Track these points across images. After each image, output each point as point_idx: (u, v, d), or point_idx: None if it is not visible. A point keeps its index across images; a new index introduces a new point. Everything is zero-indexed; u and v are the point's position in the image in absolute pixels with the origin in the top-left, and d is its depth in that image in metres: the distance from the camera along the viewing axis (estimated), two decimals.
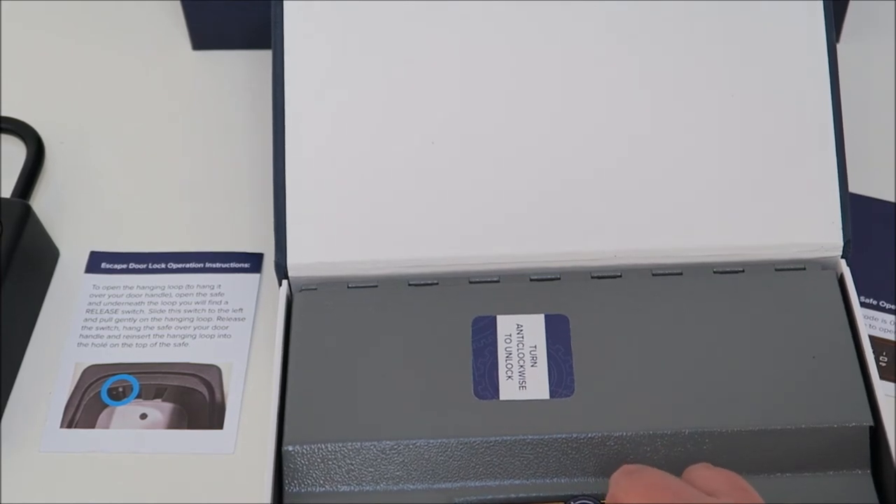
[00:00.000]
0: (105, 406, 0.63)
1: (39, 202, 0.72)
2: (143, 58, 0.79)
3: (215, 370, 0.64)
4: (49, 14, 0.82)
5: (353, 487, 0.55)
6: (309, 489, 0.55)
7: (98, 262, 0.69)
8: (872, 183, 0.70)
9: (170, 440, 0.62)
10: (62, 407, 0.63)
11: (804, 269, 0.60)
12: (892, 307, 0.65)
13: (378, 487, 0.55)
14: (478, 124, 0.62)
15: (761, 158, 0.61)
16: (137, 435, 0.62)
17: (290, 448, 0.55)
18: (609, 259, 0.61)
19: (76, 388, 0.64)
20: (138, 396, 0.63)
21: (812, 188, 0.61)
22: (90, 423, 0.62)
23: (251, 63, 0.78)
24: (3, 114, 0.75)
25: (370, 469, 0.55)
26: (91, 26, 0.81)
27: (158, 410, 0.63)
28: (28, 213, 0.66)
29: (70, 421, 0.63)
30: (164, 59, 0.79)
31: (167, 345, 0.65)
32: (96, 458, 0.61)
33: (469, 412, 0.55)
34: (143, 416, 0.63)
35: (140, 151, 0.74)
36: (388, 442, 0.54)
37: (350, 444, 0.55)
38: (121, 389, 0.64)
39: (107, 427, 0.62)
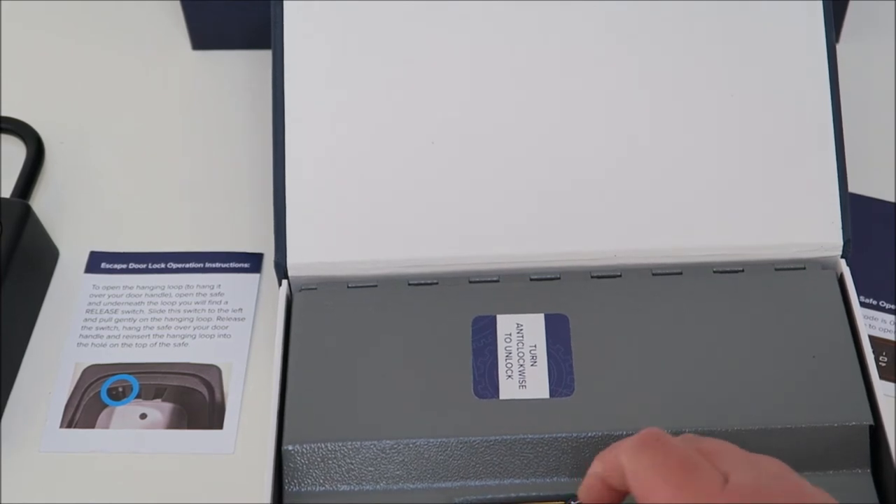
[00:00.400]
0: (105, 406, 0.63)
1: (39, 202, 0.72)
2: (143, 58, 0.79)
3: (215, 370, 0.64)
4: (49, 14, 0.82)
5: (352, 487, 0.55)
6: (309, 488, 0.55)
7: (98, 262, 0.69)
8: (872, 183, 0.70)
9: (170, 440, 0.62)
10: (62, 407, 0.63)
11: (804, 268, 0.60)
12: (892, 307, 0.65)
13: (378, 487, 0.55)
14: (478, 124, 0.62)
15: (761, 158, 0.61)
16: (137, 435, 0.62)
17: (290, 447, 0.55)
18: (609, 259, 0.61)
19: (76, 388, 0.64)
20: (138, 396, 0.63)
21: (812, 188, 0.61)
22: (90, 423, 0.62)
23: (251, 63, 0.78)
24: (3, 114, 0.75)
25: (370, 468, 0.55)
26: (91, 26, 0.81)
27: (158, 410, 0.63)
28: (28, 213, 0.66)
29: (70, 421, 0.63)
30: (164, 59, 0.79)
31: (167, 345, 0.65)
32: (96, 458, 0.61)
33: (469, 411, 0.55)
34: (143, 416, 0.63)
35: (140, 151, 0.74)
36: (387, 441, 0.54)
37: (350, 443, 0.55)
38: (120, 389, 0.64)
39: (107, 427, 0.62)
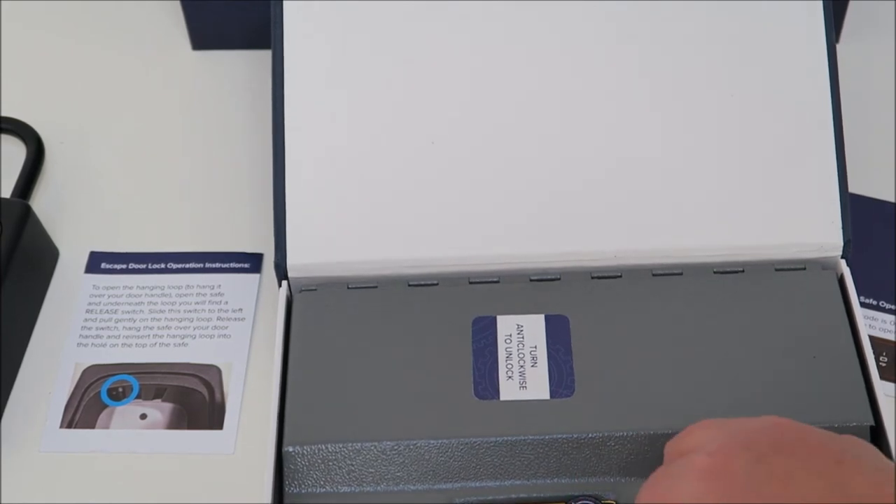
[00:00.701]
0: (105, 406, 0.63)
1: (39, 202, 0.72)
2: (143, 58, 0.79)
3: (215, 370, 0.64)
4: (49, 14, 0.82)
5: (353, 488, 0.55)
6: (309, 490, 0.55)
7: (98, 263, 0.69)
8: (872, 183, 0.70)
9: (169, 440, 0.62)
10: (62, 407, 0.63)
11: (804, 269, 0.60)
12: (892, 307, 0.65)
13: (378, 488, 0.55)
14: (478, 124, 0.62)
15: (761, 158, 0.61)
16: (137, 435, 0.62)
17: (291, 449, 0.55)
18: (609, 259, 0.61)
19: (76, 388, 0.64)
20: (138, 397, 0.63)
21: (812, 188, 0.61)
22: (90, 424, 0.62)
23: (251, 63, 0.78)
24: (3, 114, 0.75)
25: (370, 470, 0.55)
26: (91, 26, 0.81)
27: (158, 410, 0.63)
28: (28, 213, 0.66)
29: (70, 421, 0.63)
30: (164, 59, 0.79)
31: (167, 345, 0.65)
32: (96, 458, 0.61)
33: (469, 412, 0.55)
34: (143, 417, 0.63)
35: (140, 151, 0.74)
36: (388, 443, 0.54)
37: (350, 444, 0.55)
38: (120, 389, 0.64)
39: (107, 427, 0.62)
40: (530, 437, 0.54)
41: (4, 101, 0.76)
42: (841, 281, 0.60)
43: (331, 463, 0.55)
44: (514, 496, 0.54)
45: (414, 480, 0.55)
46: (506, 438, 0.54)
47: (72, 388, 0.64)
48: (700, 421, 0.46)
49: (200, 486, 0.60)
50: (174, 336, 0.66)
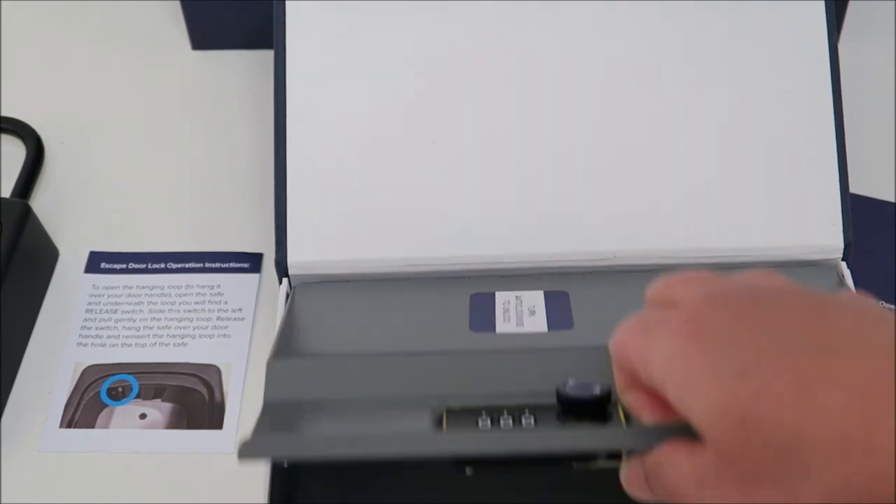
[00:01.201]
0: (105, 406, 0.63)
1: (39, 202, 0.72)
2: (143, 58, 0.79)
3: (215, 370, 0.64)
4: (49, 14, 0.82)
5: (338, 397, 0.51)
6: (288, 398, 0.51)
7: (97, 262, 0.69)
8: (872, 183, 0.70)
9: (169, 440, 0.62)
10: (62, 407, 0.63)
11: (804, 270, 0.60)
12: (892, 307, 0.65)
13: (364, 393, 0.51)
14: (478, 124, 0.62)
15: (761, 159, 0.61)
16: (137, 435, 0.62)
17: (274, 361, 0.52)
18: (609, 259, 0.61)
19: (76, 387, 0.64)
20: (138, 396, 0.63)
21: (813, 189, 0.61)
22: (90, 423, 0.62)
23: (251, 63, 0.78)
24: (3, 114, 0.75)
25: (358, 380, 0.52)
26: (91, 26, 0.81)
27: (158, 410, 0.63)
28: (28, 213, 0.66)
29: (70, 421, 0.63)
30: (164, 59, 0.79)
31: (166, 345, 0.65)
32: (96, 458, 0.61)
33: (463, 340, 0.54)
34: (143, 416, 0.63)
35: (140, 151, 0.74)
36: (377, 355, 0.53)
37: (338, 358, 0.53)
38: (120, 389, 0.64)
39: (106, 427, 0.62)
40: (525, 352, 0.52)
41: (4, 101, 0.76)
42: (841, 282, 0.60)
43: (315, 373, 0.52)
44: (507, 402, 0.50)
45: (402, 388, 0.51)
46: (500, 350, 0.53)
47: (72, 388, 0.64)
48: (684, 272, 0.44)
49: (200, 486, 0.60)
50: (174, 336, 0.66)
